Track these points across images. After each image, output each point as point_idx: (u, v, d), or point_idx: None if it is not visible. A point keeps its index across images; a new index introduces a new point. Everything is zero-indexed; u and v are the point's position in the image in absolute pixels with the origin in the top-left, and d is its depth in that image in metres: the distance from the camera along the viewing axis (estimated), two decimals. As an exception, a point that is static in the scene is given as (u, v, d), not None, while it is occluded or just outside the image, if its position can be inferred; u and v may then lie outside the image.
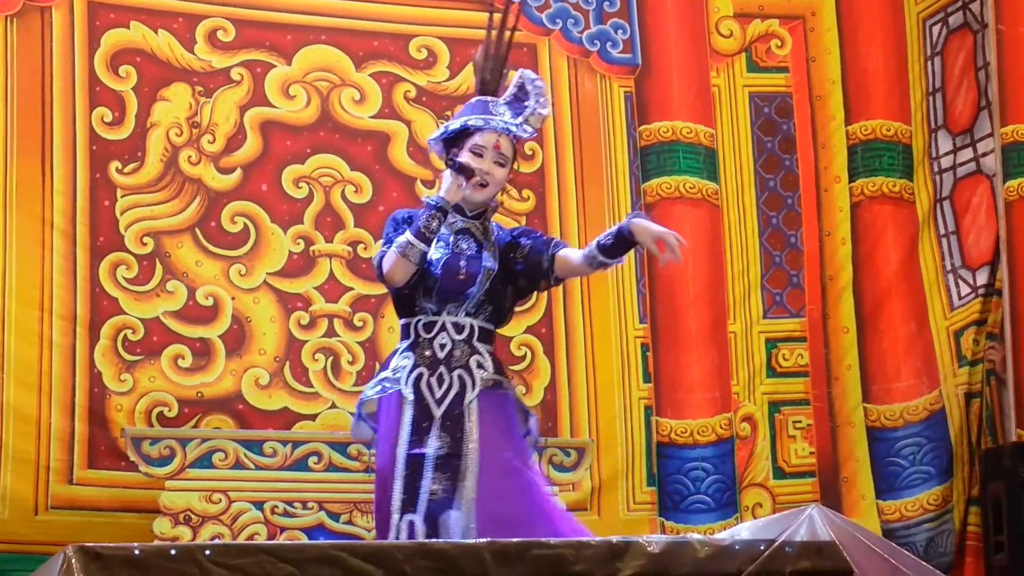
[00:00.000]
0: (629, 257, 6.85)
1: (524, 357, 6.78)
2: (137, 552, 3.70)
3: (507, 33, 5.10)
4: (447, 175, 4.91)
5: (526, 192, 6.87)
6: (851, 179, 7.25)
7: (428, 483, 4.74)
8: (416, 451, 4.78)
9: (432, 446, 4.79)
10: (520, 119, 4.98)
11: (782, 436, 7.05)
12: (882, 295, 7.15)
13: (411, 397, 4.85)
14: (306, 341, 6.43)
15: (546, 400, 6.77)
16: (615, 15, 7.08)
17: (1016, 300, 6.92)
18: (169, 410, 6.26)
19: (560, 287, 6.76)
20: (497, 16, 5.10)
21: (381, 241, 5.00)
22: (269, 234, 6.52)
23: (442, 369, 4.88)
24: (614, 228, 4.93)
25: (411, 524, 4.70)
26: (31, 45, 6.28)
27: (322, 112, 6.63)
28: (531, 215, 6.86)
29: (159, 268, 6.36)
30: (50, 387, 6.08)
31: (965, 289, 7.13)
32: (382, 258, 4.90)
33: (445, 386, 4.86)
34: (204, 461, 6.23)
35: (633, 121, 7.03)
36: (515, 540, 4.37)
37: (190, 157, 6.47)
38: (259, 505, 6.23)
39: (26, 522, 5.99)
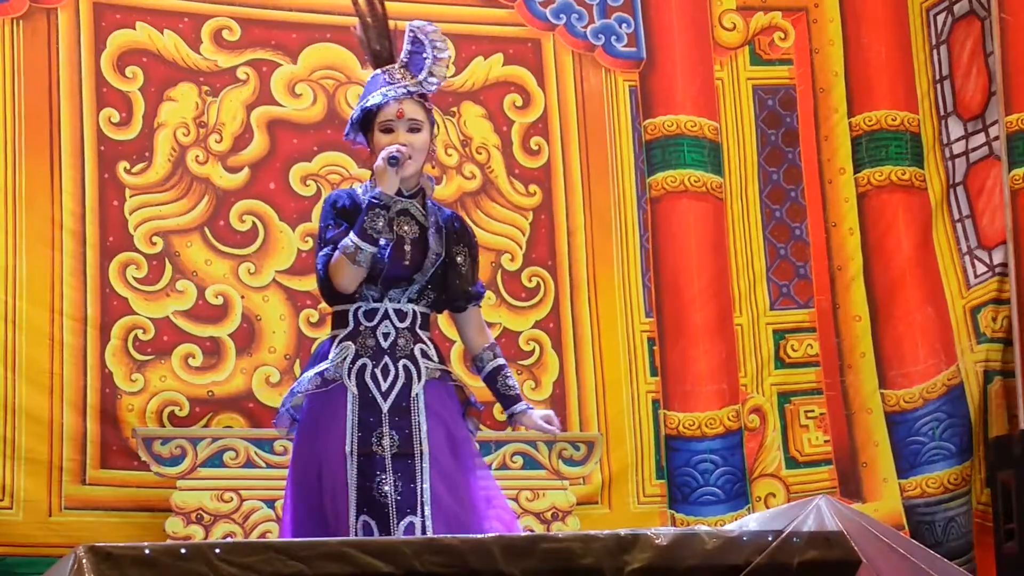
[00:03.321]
0: (635, 251, 6.92)
1: (532, 352, 6.80)
2: (147, 551, 3.71)
3: None
4: (379, 168, 4.62)
5: (532, 187, 6.89)
6: (856, 170, 7.26)
7: (382, 484, 4.54)
8: (365, 449, 4.57)
9: (384, 444, 4.57)
10: (423, 74, 4.73)
11: (794, 426, 7.06)
12: (896, 282, 7.15)
13: (355, 391, 4.60)
14: (316, 338, 6.41)
15: (555, 394, 6.79)
16: (619, 9, 7.09)
17: (1022, 289, 6.94)
18: (180, 409, 6.29)
19: (567, 282, 6.82)
20: None
21: (319, 232, 4.72)
22: (278, 232, 6.55)
23: (387, 359, 4.63)
24: (513, 391, 4.79)
25: (366, 525, 4.50)
26: (37, 47, 6.30)
27: (329, 110, 6.65)
28: (538, 210, 6.88)
29: (168, 267, 6.38)
30: (61, 388, 6.11)
31: (981, 268, 7.15)
32: (326, 260, 4.62)
33: (391, 378, 4.62)
34: (215, 460, 6.23)
35: (638, 115, 7.04)
36: (524, 534, 4.40)
37: (198, 156, 6.49)
38: (270, 503, 6.22)
39: (40, 523, 6.03)
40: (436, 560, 3.93)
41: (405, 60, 4.76)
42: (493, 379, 4.81)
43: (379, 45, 4.80)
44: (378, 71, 4.77)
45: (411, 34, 4.78)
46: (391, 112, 4.68)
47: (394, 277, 4.66)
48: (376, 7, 4.82)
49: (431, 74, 4.75)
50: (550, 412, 4.83)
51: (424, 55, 4.76)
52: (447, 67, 4.83)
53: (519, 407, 4.79)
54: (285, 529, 4.72)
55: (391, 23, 4.84)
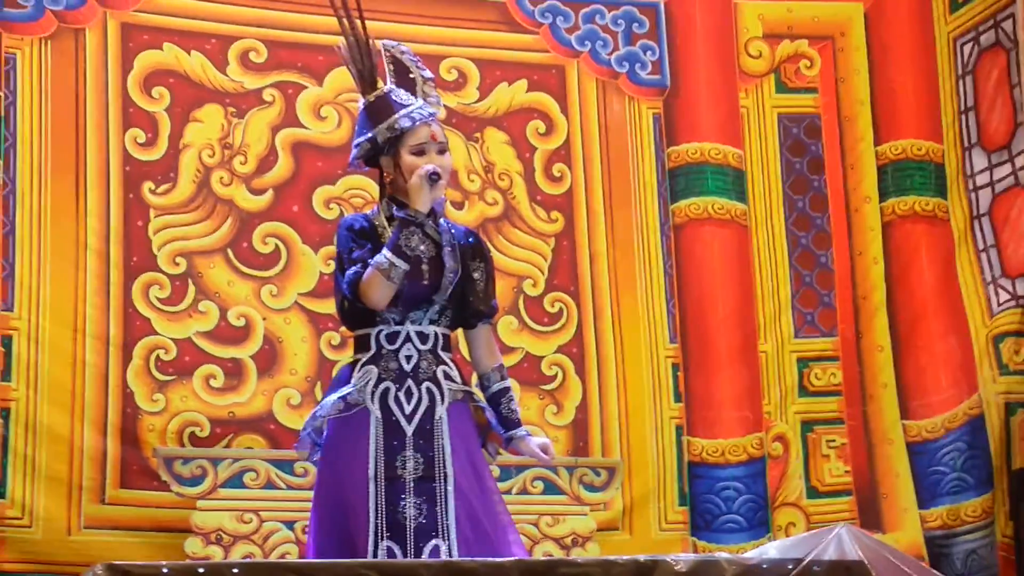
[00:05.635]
0: (658, 278, 6.92)
1: (555, 376, 6.79)
2: (165, 570, 3.69)
3: (355, 14, 4.78)
4: (415, 186, 4.59)
5: (555, 214, 6.90)
6: (881, 199, 7.25)
7: (406, 508, 4.52)
8: (390, 473, 4.55)
9: (408, 468, 4.55)
10: (420, 99, 4.75)
11: (815, 455, 7.04)
12: (918, 313, 7.14)
13: (378, 414, 4.59)
14: (337, 361, 6.42)
15: (577, 419, 6.78)
16: (644, 37, 7.10)
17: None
18: (201, 430, 6.29)
19: (590, 308, 6.81)
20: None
21: (340, 255, 4.69)
22: (300, 255, 6.56)
23: (410, 382, 4.61)
24: (515, 415, 4.77)
25: (389, 551, 4.47)
26: (65, 67, 6.33)
27: (353, 132, 6.66)
28: (560, 236, 6.88)
29: (192, 288, 6.40)
30: (83, 407, 6.12)
31: (1004, 296, 7.12)
32: (355, 278, 4.57)
33: (414, 401, 4.61)
34: (235, 481, 6.24)
35: (661, 142, 7.04)
36: (542, 559, 4.38)
37: (222, 178, 6.51)
38: (290, 524, 6.23)
39: (59, 542, 6.02)
40: (454, 583, 3.92)
41: (395, 82, 4.76)
42: (497, 400, 4.79)
43: (362, 65, 4.78)
44: (379, 94, 4.74)
45: (388, 54, 4.80)
46: (424, 135, 4.68)
47: (414, 298, 4.65)
48: (357, 26, 4.80)
49: (426, 97, 4.76)
50: (547, 441, 4.81)
51: (411, 75, 4.78)
52: (435, 87, 4.83)
53: (518, 432, 4.76)
54: (309, 554, 4.70)
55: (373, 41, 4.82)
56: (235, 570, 3.74)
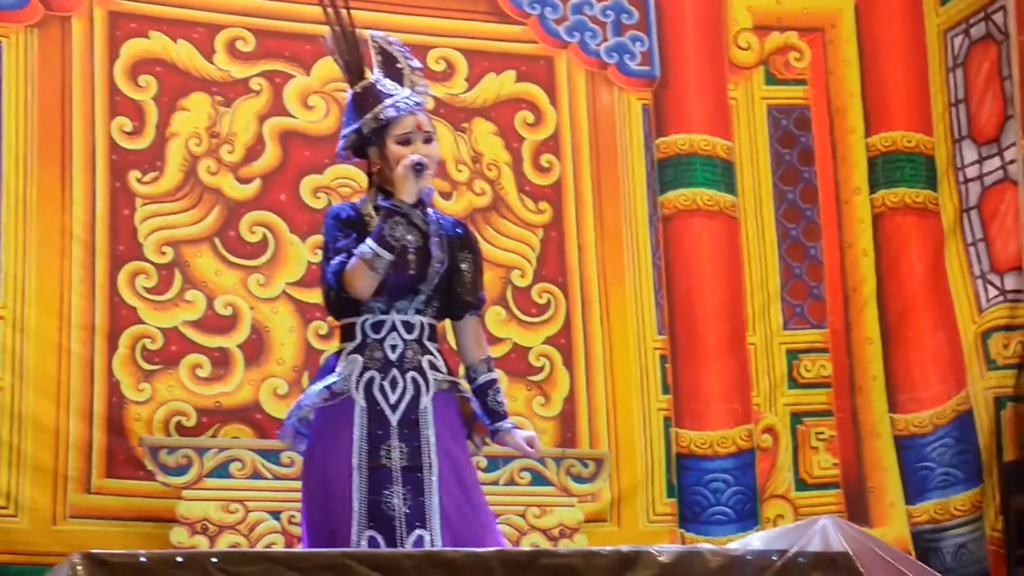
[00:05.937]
0: (647, 269, 6.91)
1: (543, 368, 6.78)
2: (143, 559, 3.68)
3: (341, 3, 4.80)
4: (401, 176, 4.61)
5: (543, 204, 6.88)
6: (871, 190, 7.25)
7: (391, 498, 4.53)
8: (374, 462, 4.56)
9: (393, 457, 4.56)
10: (407, 88, 4.76)
11: (804, 447, 7.04)
12: (908, 305, 7.14)
13: (363, 403, 4.60)
14: (324, 351, 6.40)
15: (565, 411, 6.77)
16: (633, 27, 7.09)
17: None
18: (187, 419, 6.27)
19: (578, 299, 6.80)
20: None
21: (327, 244, 4.72)
22: (288, 244, 6.54)
23: (395, 372, 4.62)
24: (501, 407, 4.78)
25: (372, 540, 4.49)
26: (51, 55, 6.30)
27: (340, 122, 6.64)
28: (548, 227, 6.87)
29: (178, 277, 6.38)
30: (68, 396, 6.09)
31: (993, 292, 7.12)
32: (339, 268, 4.60)
33: (399, 390, 4.62)
34: (221, 471, 6.23)
35: (650, 133, 7.04)
36: (525, 550, 4.37)
37: (209, 167, 6.49)
38: (276, 515, 6.23)
39: (44, 532, 6.01)
40: (436, 574, 3.90)
41: (382, 71, 4.78)
42: (484, 392, 4.79)
43: (349, 56, 4.80)
44: (364, 84, 4.77)
45: (376, 44, 4.81)
46: (409, 124, 4.70)
47: (399, 287, 4.65)
48: (343, 16, 4.81)
49: (413, 86, 4.78)
50: (533, 434, 4.81)
51: (398, 65, 4.80)
52: (422, 76, 4.85)
53: (504, 424, 4.77)
54: (303, 544, 4.72)
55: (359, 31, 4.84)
56: (214, 559, 3.73)
